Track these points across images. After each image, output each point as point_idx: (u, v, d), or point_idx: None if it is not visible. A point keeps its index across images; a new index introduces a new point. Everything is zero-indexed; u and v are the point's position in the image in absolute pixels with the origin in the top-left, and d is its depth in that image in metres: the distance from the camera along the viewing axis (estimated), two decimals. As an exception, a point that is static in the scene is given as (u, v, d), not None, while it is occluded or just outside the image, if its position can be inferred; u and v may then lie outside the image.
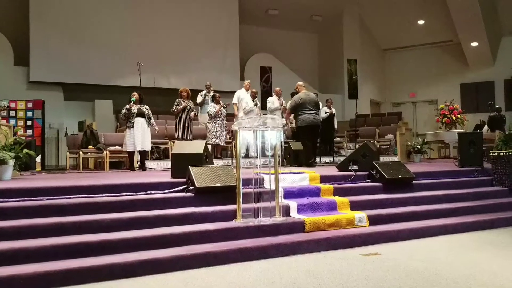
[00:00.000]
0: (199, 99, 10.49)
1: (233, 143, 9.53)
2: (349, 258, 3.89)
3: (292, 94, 11.73)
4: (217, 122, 9.50)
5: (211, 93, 10.43)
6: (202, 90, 10.82)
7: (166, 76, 14.31)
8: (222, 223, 4.19)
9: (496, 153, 6.47)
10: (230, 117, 11.03)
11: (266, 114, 8.16)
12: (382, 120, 14.92)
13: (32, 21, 12.62)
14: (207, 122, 9.70)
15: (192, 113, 9.35)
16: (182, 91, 9.45)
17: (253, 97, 10.49)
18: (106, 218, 3.89)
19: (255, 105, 10.32)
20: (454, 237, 4.76)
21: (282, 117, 9.74)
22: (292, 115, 11.13)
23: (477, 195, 6.00)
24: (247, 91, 10.60)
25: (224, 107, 9.60)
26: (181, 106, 9.13)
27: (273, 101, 10.92)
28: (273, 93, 11.40)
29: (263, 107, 11.63)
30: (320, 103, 9.46)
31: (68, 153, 9.90)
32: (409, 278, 3.29)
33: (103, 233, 3.72)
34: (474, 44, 16.08)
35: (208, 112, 9.67)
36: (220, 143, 9.58)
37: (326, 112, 11.54)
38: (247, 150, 4.69)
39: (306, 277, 3.33)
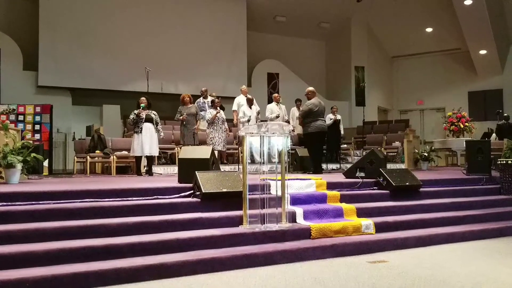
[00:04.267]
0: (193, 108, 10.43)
1: (239, 148, 9.51)
2: (355, 265, 3.87)
3: (297, 101, 11.74)
4: (215, 127, 9.35)
5: (209, 98, 10.37)
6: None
7: (173, 81, 14.37)
8: (228, 229, 4.19)
9: (504, 161, 6.43)
10: (229, 122, 10.96)
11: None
12: (389, 127, 14.87)
13: (41, 26, 12.74)
14: (206, 128, 9.63)
15: (182, 116, 9.18)
16: (184, 97, 9.40)
17: (250, 104, 10.32)
18: (113, 223, 3.90)
19: (258, 113, 10.25)
20: (462, 245, 4.72)
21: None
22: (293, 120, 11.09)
23: (484, 203, 5.95)
24: (245, 96, 10.55)
25: (219, 113, 9.40)
26: (181, 117, 9.08)
27: (272, 109, 10.75)
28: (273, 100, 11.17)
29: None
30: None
31: (75, 157, 9.96)
32: (416, 286, 3.26)
33: (109, 238, 3.73)
34: (483, 52, 16.01)
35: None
36: (220, 149, 9.42)
37: (330, 119, 11.54)
38: (253, 155, 4.69)
39: (312, 284, 3.32)
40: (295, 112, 11.64)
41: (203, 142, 9.57)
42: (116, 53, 13.55)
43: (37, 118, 11.26)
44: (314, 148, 8.03)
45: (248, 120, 9.89)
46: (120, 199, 4.36)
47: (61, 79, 12.86)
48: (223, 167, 7.77)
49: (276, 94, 11.21)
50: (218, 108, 9.49)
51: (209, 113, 9.42)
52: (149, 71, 9.77)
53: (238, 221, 4.34)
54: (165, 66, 13.84)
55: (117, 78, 13.52)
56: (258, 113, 10.35)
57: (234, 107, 10.64)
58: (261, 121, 9.69)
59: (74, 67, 12.94)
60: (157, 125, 8.32)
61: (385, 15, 17.04)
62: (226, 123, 9.70)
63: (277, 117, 10.45)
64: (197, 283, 3.35)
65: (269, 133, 4.45)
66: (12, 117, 10.87)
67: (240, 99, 10.62)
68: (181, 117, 9.06)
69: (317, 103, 8.05)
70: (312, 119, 7.99)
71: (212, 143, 9.21)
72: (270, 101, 15.02)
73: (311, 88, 8.40)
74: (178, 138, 10.10)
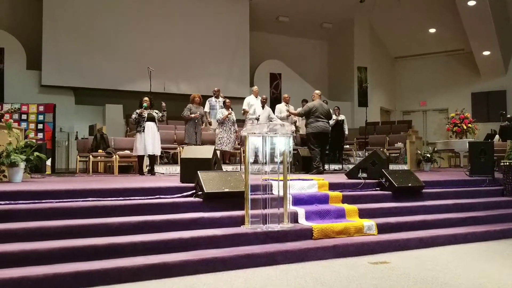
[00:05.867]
0: (206, 106, 10.48)
1: (242, 149, 9.52)
2: (357, 266, 3.86)
3: (303, 101, 11.78)
4: (225, 128, 9.42)
5: (220, 99, 10.43)
6: (211, 96, 10.86)
7: (176, 81, 14.38)
8: (230, 229, 4.19)
9: (507, 163, 6.41)
10: (240, 123, 10.99)
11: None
12: (392, 128, 14.85)
13: (45, 26, 12.78)
14: (216, 128, 9.70)
15: (205, 121, 9.31)
16: (195, 97, 9.43)
17: (263, 103, 10.44)
18: (115, 222, 3.91)
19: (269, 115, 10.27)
20: (464, 246, 4.71)
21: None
22: (299, 121, 11.19)
23: (487, 205, 5.93)
24: (256, 97, 10.59)
25: (231, 114, 9.50)
26: (193, 115, 9.08)
27: (281, 109, 10.84)
28: (282, 100, 11.33)
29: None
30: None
31: (78, 156, 9.98)
32: (417, 287, 3.26)
33: (112, 237, 3.74)
34: (486, 53, 15.97)
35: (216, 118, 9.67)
36: (227, 149, 9.49)
37: (333, 120, 11.52)
38: (256, 156, 4.69)
39: (314, 285, 3.32)
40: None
41: (205, 142, 9.58)
42: (119, 53, 13.58)
43: (40, 117, 11.29)
44: (313, 147, 8.11)
45: (257, 118, 9.92)
46: (123, 198, 4.37)
47: (64, 79, 12.89)
48: (225, 167, 7.78)
49: (286, 95, 11.30)
50: (230, 109, 9.57)
51: (221, 112, 9.48)
52: (152, 71, 9.77)
53: (240, 221, 4.34)
54: (168, 66, 13.85)
55: (120, 77, 13.54)
56: (269, 115, 10.39)
57: (245, 106, 10.68)
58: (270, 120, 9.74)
59: (77, 66, 12.96)
60: (160, 119, 8.32)
61: (388, 15, 17.02)
62: (236, 125, 9.76)
63: (288, 116, 10.51)
64: (199, 283, 3.35)
65: (272, 133, 4.45)
66: (16, 116, 10.90)
67: (250, 99, 10.66)
68: (193, 115, 9.07)
69: (317, 104, 8.23)
70: (313, 120, 8.15)
71: (220, 143, 9.29)
72: (272, 101, 15.07)
73: (316, 91, 8.67)
74: (180, 137, 10.11)
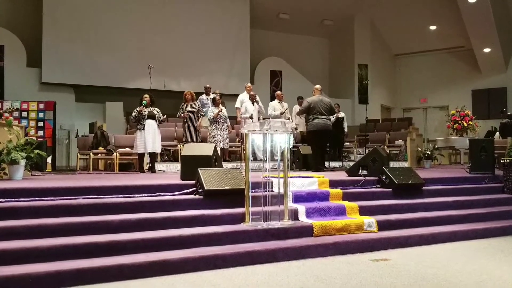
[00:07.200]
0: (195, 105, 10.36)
1: (242, 146, 9.49)
2: (357, 263, 3.87)
3: (299, 98, 11.73)
4: (217, 125, 9.30)
5: (211, 96, 10.32)
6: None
7: (176, 79, 14.36)
8: (231, 226, 4.20)
9: (507, 160, 6.41)
10: (232, 120, 10.91)
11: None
12: (392, 125, 14.84)
13: (45, 23, 12.76)
14: (208, 126, 9.59)
15: (200, 117, 9.23)
16: (186, 95, 9.38)
17: (252, 100, 10.26)
18: (115, 219, 3.91)
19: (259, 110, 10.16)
20: (464, 243, 4.71)
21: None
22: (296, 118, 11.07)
23: (487, 202, 5.94)
24: (249, 94, 10.49)
25: (221, 111, 9.35)
26: (182, 115, 9.05)
27: (274, 107, 10.70)
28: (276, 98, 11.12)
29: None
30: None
31: (78, 154, 9.99)
32: (418, 284, 3.26)
33: (112, 234, 3.75)
34: (487, 50, 15.96)
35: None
36: (222, 146, 9.37)
37: (333, 117, 11.49)
38: (255, 153, 4.68)
39: (314, 282, 3.32)
40: (296, 109, 11.60)
41: (205, 139, 9.56)
42: (120, 50, 13.56)
43: (41, 115, 11.27)
44: (314, 146, 8.02)
45: (250, 117, 9.85)
46: (123, 195, 4.37)
47: (65, 76, 12.89)
48: (225, 165, 7.78)
49: (279, 92, 11.16)
50: (221, 106, 9.45)
51: (211, 111, 9.39)
52: (152, 68, 9.76)
53: (240, 219, 4.34)
54: (168, 63, 13.81)
55: (120, 75, 13.53)
56: (259, 110, 10.26)
57: (237, 105, 10.58)
58: (264, 118, 9.65)
59: (78, 64, 12.95)
60: (159, 122, 8.34)
61: (389, 12, 16.99)
62: (228, 120, 9.67)
63: (282, 114, 10.43)
64: (199, 280, 3.35)
65: (272, 131, 4.45)
66: (16, 113, 10.88)
67: (244, 97, 10.56)
68: (182, 114, 9.06)
69: (317, 100, 7.95)
70: (312, 117, 7.93)
71: (214, 141, 9.17)
72: (273, 98, 14.99)
73: (316, 86, 8.40)
74: (180, 135, 10.09)
